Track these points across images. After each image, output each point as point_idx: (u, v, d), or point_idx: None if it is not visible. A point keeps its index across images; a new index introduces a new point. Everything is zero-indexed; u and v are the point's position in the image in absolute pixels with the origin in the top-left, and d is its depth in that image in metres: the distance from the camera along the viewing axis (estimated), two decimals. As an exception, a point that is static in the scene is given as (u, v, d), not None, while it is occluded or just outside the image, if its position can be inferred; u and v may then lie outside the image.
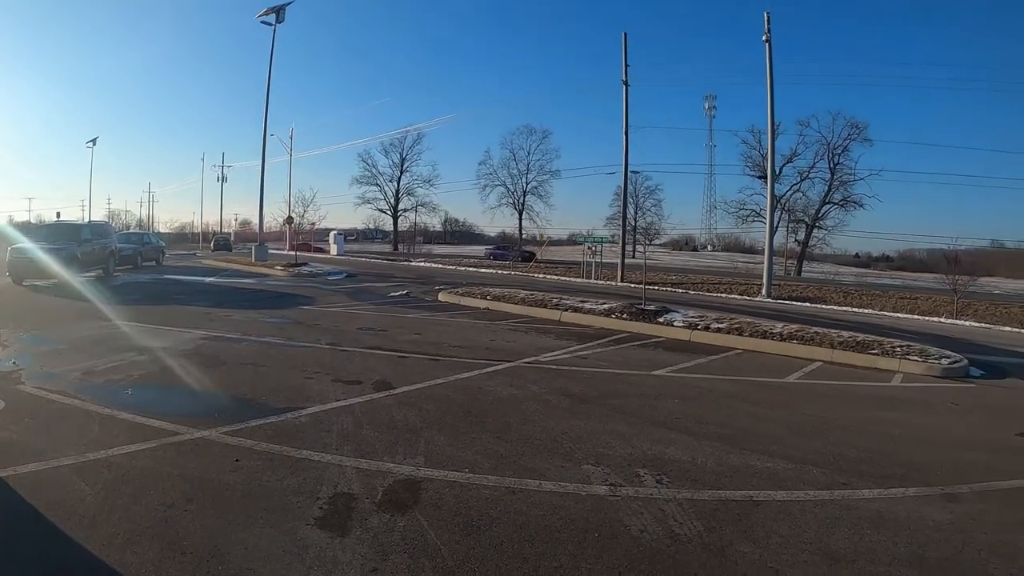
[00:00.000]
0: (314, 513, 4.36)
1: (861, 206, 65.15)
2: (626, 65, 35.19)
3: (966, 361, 12.12)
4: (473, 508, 4.55)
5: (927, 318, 24.26)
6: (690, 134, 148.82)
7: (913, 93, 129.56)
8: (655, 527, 4.39)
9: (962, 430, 7.96)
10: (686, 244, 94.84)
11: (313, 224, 71.59)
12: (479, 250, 74.29)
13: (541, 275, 37.09)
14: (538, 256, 56.17)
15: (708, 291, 30.23)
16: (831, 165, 64.80)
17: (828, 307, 25.83)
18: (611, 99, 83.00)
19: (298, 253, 39.05)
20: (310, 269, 31.31)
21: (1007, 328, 22.95)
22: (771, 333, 13.02)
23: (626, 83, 35.15)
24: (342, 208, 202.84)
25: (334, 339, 11.53)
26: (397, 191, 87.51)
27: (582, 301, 16.79)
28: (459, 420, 6.80)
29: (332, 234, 67.66)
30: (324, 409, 6.95)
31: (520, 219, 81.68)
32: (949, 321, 23.82)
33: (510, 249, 67.81)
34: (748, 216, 67.37)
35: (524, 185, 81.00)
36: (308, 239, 65.89)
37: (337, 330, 12.72)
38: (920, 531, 4.69)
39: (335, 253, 61.66)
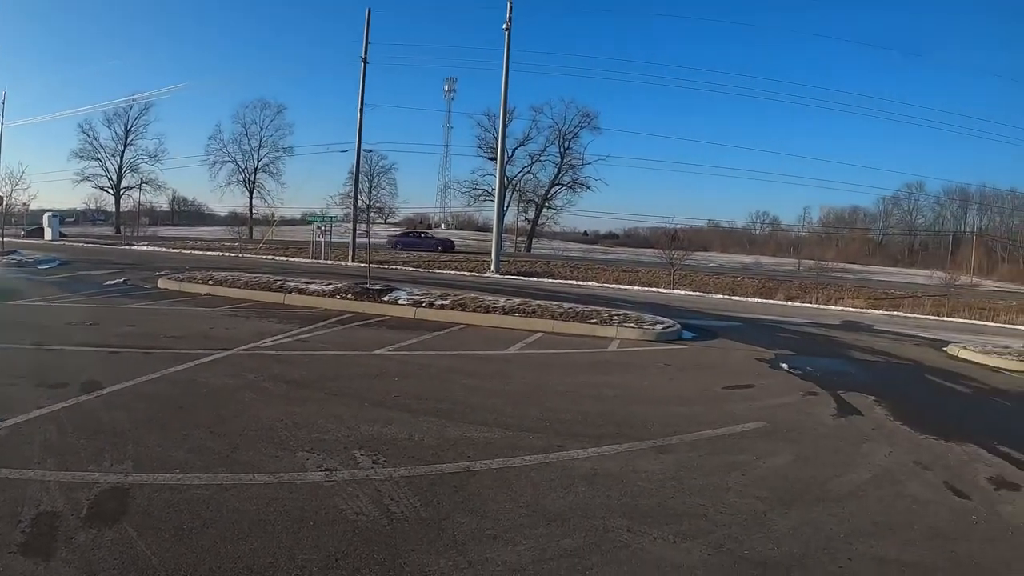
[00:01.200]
0: (16, 539, 3.75)
1: (588, 188, 68.01)
2: (367, 42, 34.29)
3: (679, 325, 13.14)
4: (184, 511, 4.13)
5: (647, 289, 26.21)
6: (428, 115, 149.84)
7: (644, 87, 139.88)
8: (371, 508, 4.22)
9: (673, 387, 8.56)
10: (420, 223, 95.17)
11: (25, 205, 62.18)
12: (208, 232, 68.57)
13: (271, 256, 35.54)
14: (267, 236, 50.68)
15: (439, 269, 30.43)
16: (561, 150, 66.89)
17: (554, 281, 27.08)
18: (347, 78, 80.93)
19: (5, 239, 34.78)
20: (19, 257, 27.77)
21: (718, 295, 25.48)
22: (494, 307, 13.21)
23: (365, 60, 34.16)
24: (60, 187, 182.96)
25: (40, 337, 10.22)
26: (120, 167, 78.59)
27: (307, 282, 16.20)
28: (171, 417, 6.20)
29: (46, 216, 59.55)
30: (26, 419, 6.06)
31: (251, 198, 76.01)
32: (667, 291, 25.92)
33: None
34: (480, 195, 67.85)
35: (256, 162, 75.75)
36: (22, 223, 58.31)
37: (43, 326, 11.30)
38: (633, 483, 4.94)
39: (49, 238, 55.27)
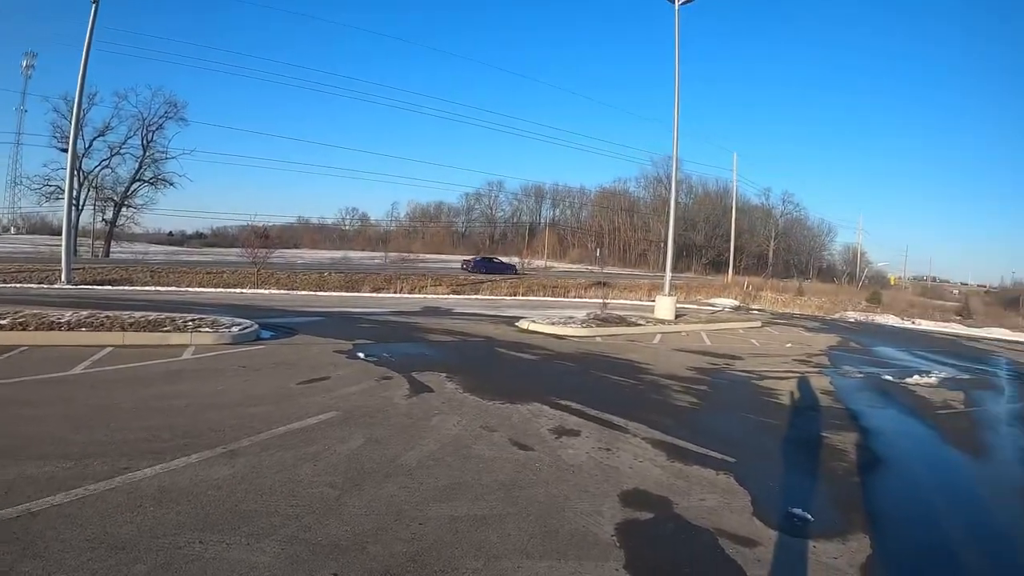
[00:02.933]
0: None
1: (172, 184, 63.33)
2: None
3: (257, 326, 13.39)
4: None
5: (231, 290, 25.92)
6: None
7: (234, 78, 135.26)
8: None
9: (248, 389, 8.77)
10: None
11: None
12: None
13: None
14: None
15: (4, 281, 26.85)
16: (144, 142, 61.39)
17: (134, 288, 25.29)
18: None
19: None
20: None
21: (304, 292, 26.12)
22: (59, 323, 12.22)
23: None
24: None
25: None
26: None
27: None
28: None
29: None
30: None
31: None
32: (252, 291, 25.88)
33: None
34: (53, 193, 59.74)
35: None
36: None
37: None
38: (203, 493, 5.06)
39: None
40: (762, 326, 24.70)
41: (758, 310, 35.73)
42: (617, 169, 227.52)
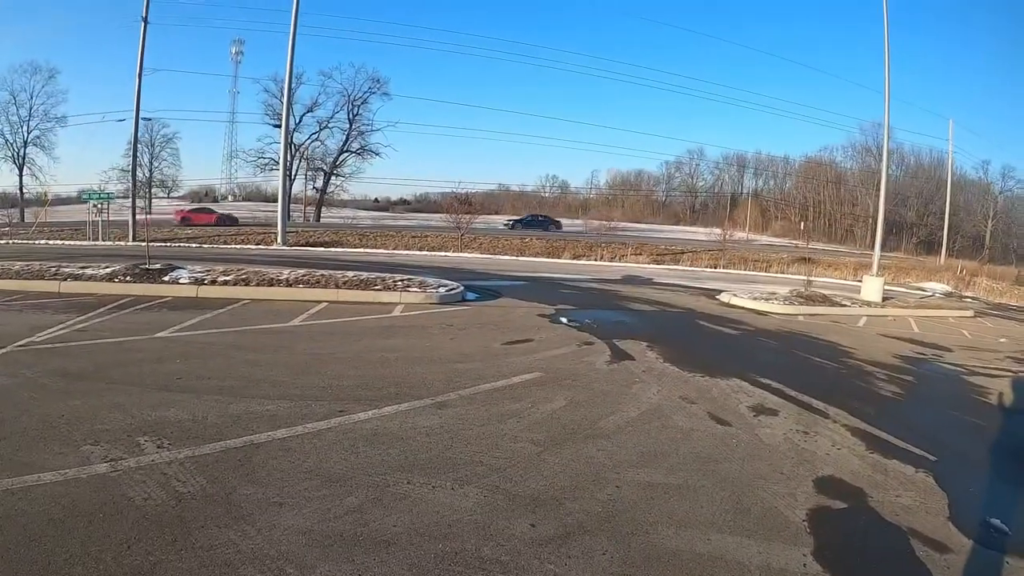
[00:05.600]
0: None
1: (377, 154, 67.26)
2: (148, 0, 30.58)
3: (462, 287, 13.62)
4: (-30, 524, 4.04)
5: (436, 253, 26.66)
6: (213, 80, 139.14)
7: (434, 54, 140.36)
8: (159, 492, 4.20)
9: (454, 346, 8.91)
10: (206, 195, 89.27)
11: None
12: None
13: (45, 240, 32.57)
14: (41, 218, 44.15)
15: (225, 243, 28.77)
16: (351, 116, 65.26)
17: (344, 250, 26.74)
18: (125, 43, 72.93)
19: None
20: None
21: (506, 256, 26.33)
22: (278, 280, 13.02)
23: (146, 20, 30.42)
24: None
25: None
26: None
27: (83, 267, 15.07)
28: (-58, 426, 5.90)
29: None
30: None
31: (20, 176, 66.32)
32: (456, 255, 26.52)
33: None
34: (267, 165, 64.30)
35: (25, 134, 66.04)
36: None
37: None
38: (412, 439, 5.23)
39: None
40: (975, 316, 22.55)
41: (971, 298, 32.73)
42: (823, 137, 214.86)
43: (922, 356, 12.56)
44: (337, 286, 12.63)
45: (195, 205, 60.17)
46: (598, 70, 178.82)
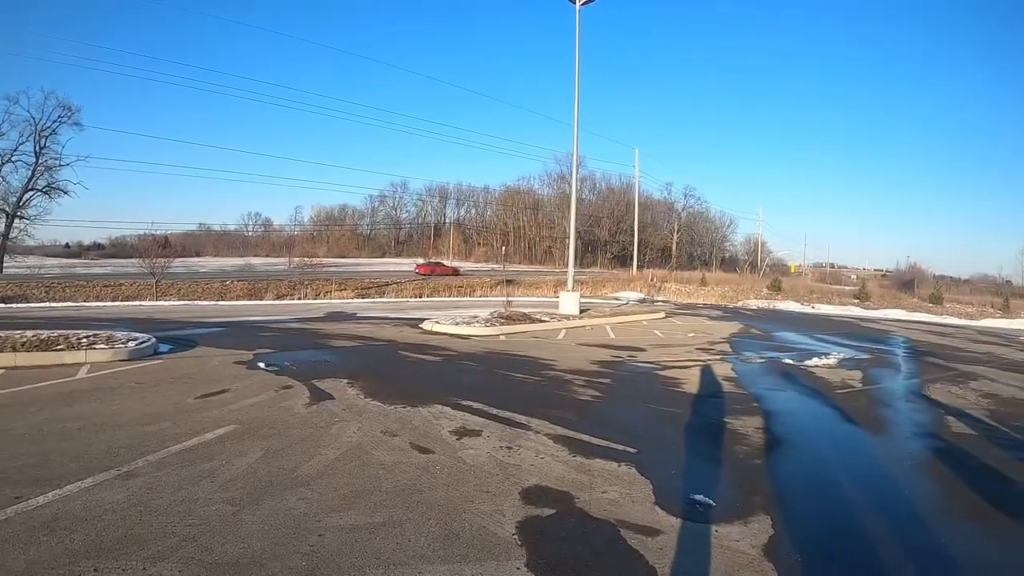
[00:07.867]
0: None
1: (66, 193, 60.22)
2: None
3: (154, 340, 13.01)
4: None
5: (130, 303, 25.22)
6: None
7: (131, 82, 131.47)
8: None
9: (143, 406, 8.45)
10: None
11: None
12: None
13: None
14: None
15: None
16: (37, 148, 58.31)
17: (29, 305, 24.47)
18: None
19: None
20: None
21: (206, 302, 25.50)
22: None
23: None
24: None
25: None
26: None
27: None
28: None
29: None
30: None
31: None
32: (152, 303, 25.20)
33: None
34: None
35: None
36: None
37: None
38: (98, 519, 4.86)
39: None
40: (666, 317, 25.28)
41: (663, 301, 36.55)
42: (521, 168, 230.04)
43: (618, 359, 13.88)
44: (15, 349, 11.40)
45: None
46: (293, 102, 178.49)
